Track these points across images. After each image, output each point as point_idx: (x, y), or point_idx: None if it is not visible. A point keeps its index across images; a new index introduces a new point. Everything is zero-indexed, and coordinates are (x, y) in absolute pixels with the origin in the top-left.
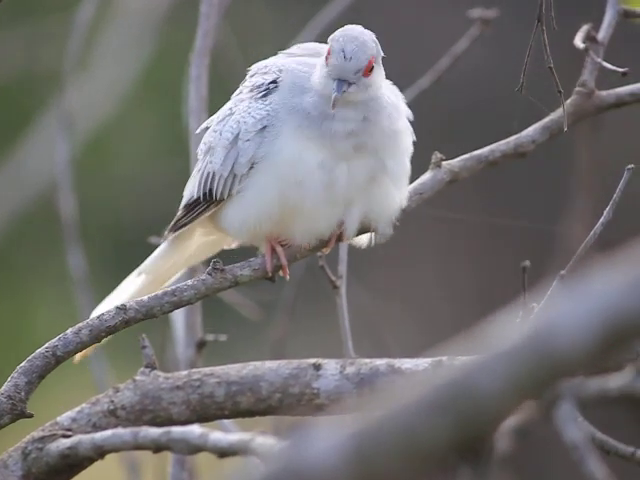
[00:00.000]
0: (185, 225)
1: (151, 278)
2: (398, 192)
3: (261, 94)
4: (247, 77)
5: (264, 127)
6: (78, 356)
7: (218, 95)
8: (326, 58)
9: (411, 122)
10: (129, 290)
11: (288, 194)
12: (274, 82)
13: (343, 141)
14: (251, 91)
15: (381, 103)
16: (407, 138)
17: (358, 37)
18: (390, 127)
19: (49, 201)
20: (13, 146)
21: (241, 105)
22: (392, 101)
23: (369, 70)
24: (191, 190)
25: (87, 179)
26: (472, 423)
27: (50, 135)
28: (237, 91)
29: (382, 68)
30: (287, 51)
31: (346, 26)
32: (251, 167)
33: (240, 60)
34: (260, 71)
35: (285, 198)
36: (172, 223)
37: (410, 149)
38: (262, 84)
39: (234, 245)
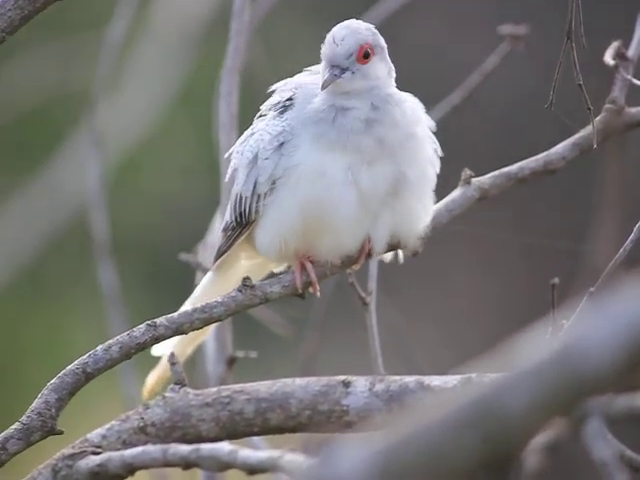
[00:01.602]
0: (226, 251)
1: None
2: (422, 206)
3: (278, 111)
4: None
5: (281, 144)
6: (146, 392)
7: (250, 112)
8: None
9: (440, 138)
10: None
11: (310, 210)
12: (290, 99)
13: (362, 134)
14: (270, 109)
15: (391, 96)
16: (427, 146)
17: (350, 25)
18: (404, 122)
19: (82, 219)
20: (46, 165)
21: (261, 124)
22: (408, 102)
23: (363, 56)
24: (226, 216)
25: (119, 196)
26: (500, 440)
27: (82, 154)
28: (258, 113)
29: (388, 62)
30: (311, 68)
31: (345, 21)
32: (273, 185)
33: (272, 76)
34: (279, 89)
35: (307, 214)
36: (215, 252)
37: (433, 158)
38: (279, 102)
39: (281, 267)
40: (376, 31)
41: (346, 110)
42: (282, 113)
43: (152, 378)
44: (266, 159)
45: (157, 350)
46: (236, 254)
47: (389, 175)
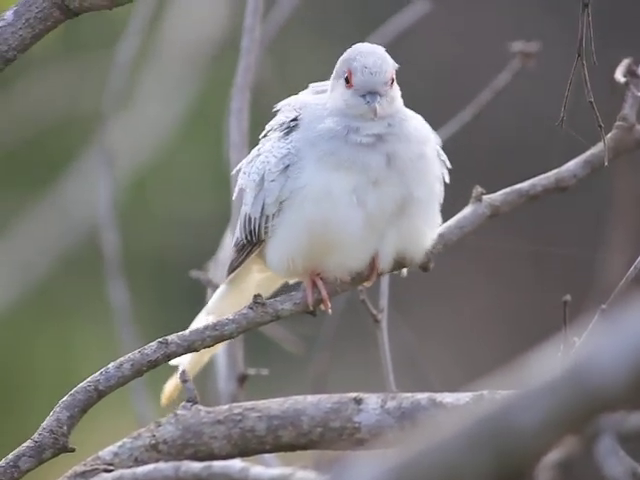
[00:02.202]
0: (238, 267)
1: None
2: (427, 222)
3: (283, 132)
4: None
5: (287, 166)
6: (164, 399)
7: (260, 129)
8: (347, 80)
9: (451, 155)
10: None
11: (315, 230)
12: (295, 119)
13: (372, 152)
14: (275, 130)
15: (405, 114)
16: (436, 165)
17: (375, 51)
18: (416, 138)
19: (93, 237)
20: (57, 183)
21: (267, 145)
22: (416, 119)
23: (392, 82)
24: (237, 232)
25: (130, 215)
26: (512, 457)
27: (93, 172)
28: (264, 132)
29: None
30: (317, 84)
31: (355, 46)
32: (280, 206)
33: (282, 94)
34: (284, 109)
35: (313, 234)
36: (227, 267)
37: (440, 177)
38: (284, 122)
39: (293, 280)
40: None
41: (359, 129)
42: (287, 134)
43: (170, 386)
44: (272, 181)
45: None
46: (248, 267)
47: (396, 196)
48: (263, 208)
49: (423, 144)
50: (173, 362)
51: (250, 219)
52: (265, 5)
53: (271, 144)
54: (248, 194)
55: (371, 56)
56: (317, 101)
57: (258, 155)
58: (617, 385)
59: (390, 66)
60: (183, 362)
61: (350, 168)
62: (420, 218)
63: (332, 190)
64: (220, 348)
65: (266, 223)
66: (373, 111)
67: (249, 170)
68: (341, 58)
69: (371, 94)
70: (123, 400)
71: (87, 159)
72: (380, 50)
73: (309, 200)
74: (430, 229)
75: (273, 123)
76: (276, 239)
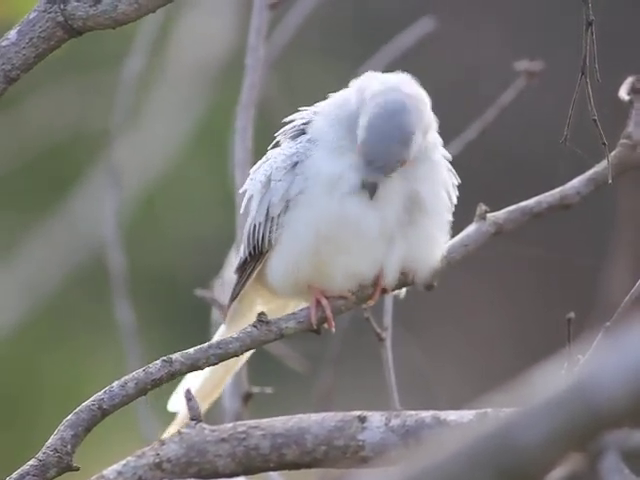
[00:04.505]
0: (239, 292)
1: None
2: (435, 235)
3: (292, 135)
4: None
5: (295, 163)
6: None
7: (265, 147)
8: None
9: (456, 173)
10: (202, 374)
11: (325, 227)
12: (306, 123)
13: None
14: (284, 135)
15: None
16: (443, 170)
17: (393, 131)
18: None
19: (99, 255)
20: (64, 202)
21: (275, 151)
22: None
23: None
24: (240, 254)
25: (136, 233)
26: (516, 475)
27: (100, 191)
28: (273, 142)
29: (429, 124)
30: (323, 103)
31: (387, 101)
32: (286, 205)
33: (287, 112)
34: (295, 118)
35: (322, 232)
36: (229, 296)
37: (448, 183)
38: (294, 126)
39: (298, 309)
40: (425, 101)
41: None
42: (296, 137)
43: (172, 430)
44: (279, 181)
45: (173, 406)
46: (251, 300)
47: (402, 190)
48: (269, 209)
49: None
50: (172, 408)
51: (255, 227)
52: (270, 23)
53: (279, 149)
54: (254, 199)
55: (385, 140)
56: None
57: (266, 160)
58: (621, 402)
59: (400, 158)
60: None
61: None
62: (428, 226)
63: (344, 171)
64: (230, 376)
65: (270, 229)
66: (371, 196)
67: (254, 176)
68: (363, 86)
69: (378, 168)
70: (127, 418)
71: (94, 177)
72: (400, 131)
73: (320, 188)
74: (438, 242)
75: (282, 131)
76: (281, 246)
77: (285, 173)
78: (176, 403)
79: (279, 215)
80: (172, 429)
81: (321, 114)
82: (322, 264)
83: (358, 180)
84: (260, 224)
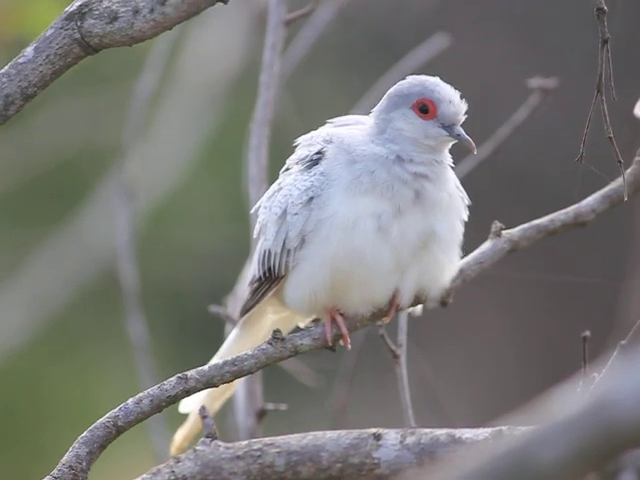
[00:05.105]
0: (253, 307)
1: None
2: (448, 259)
3: (305, 165)
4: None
5: (311, 198)
6: (174, 449)
7: (279, 164)
8: (422, 110)
9: (471, 191)
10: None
11: (342, 262)
12: (319, 153)
13: (405, 185)
14: (297, 164)
15: (446, 156)
16: (459, 202)
17: (446, 84)
18: (444, 180)
19: (111, 270)
20: (76, 216)
21: (288, 179)
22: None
23: None
24: (253, 270)
25: (149, 247)
26: None
27: (112, 205)
28: (285, 166)
29: None
30: (333, 120)
31: (417, 78)
32: (303, 240)
33: (301, 129)
34: (305, 143)
35: (338, 268)
36: (241, 307)
37: (462, 213)
38: (307, 156)
39: (307, 321)
40: None
41: (413, 159)
42: (310, 168)
43: (180, 435)
44: (296, 214)
45: (185, 407)
46: (262, 309)
47: (419, 228)
48: (285, 242)
49: (450, 185)
50: (183, 409)
51: (270, 254)
52: (284, 41)
53: (293, 177)
54: (269, 228)
55: (449, 89)
56: (350, 132)
57: (279, 189)
58: (637, 422)
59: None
60: (193, 409)
61: (381, 194)
62: (441, 255)
63: (360, 217)
64: (233, 390)
65: (287, 257)
66: (472, 146)
67: (270, 204)
68: (402, 89)
69: (455, 126)
70: (142, 435)
71: (106, 191)
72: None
73: (336, 229)
74: (450, 266)
75: (294, 157)
76: (298, 274)
77: (301, 207)
78: (187, 405)
79: (295, 249)
80: (181, 433)
81: (334, 144)
82: (339, 294)
83: (374, 221)
84: (276, 253)
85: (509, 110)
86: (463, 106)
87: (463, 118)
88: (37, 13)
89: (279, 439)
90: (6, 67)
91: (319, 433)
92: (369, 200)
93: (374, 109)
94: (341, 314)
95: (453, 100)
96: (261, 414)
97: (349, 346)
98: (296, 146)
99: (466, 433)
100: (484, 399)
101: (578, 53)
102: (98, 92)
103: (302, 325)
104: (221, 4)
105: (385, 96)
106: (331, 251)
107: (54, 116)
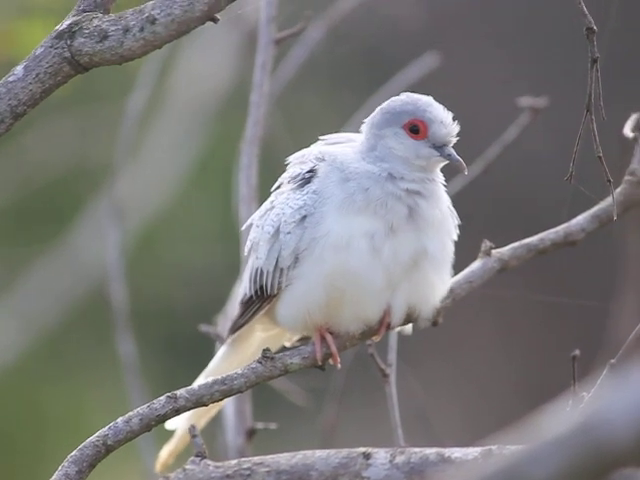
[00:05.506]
0: (243, 325)
1: None
2: (439, 278)
3: (298, 184)
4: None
5: (304, 217)
6: (159, 466)
7: (269, 183)
8: (413, 130)
9: (459, 209)
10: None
11: (335, 282)
12: (311, 171)
13: (398, 202)
14: (289, 182)
15: (438, 175)
16: (450, 221)
17: (438, 105)
18: (437, 199)
19: (101, 288)
20: (66, 235)
21: (280, 197)
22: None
23: None
24: (244, 288)
25: (139, 266)
26: None
27: (102, 224)
28: (276, 184)
29: None
30: (325, 137)
31: (409, 96)
32: (296, 258)
33: (291, 148)
34: (297, 161)
35: (332, 286)
36: (230, 325)
37: (452, 232)
38: (299, 174)
39: (295, 339)
40: None
41: (404, 177)
42: (302, 186)
43: (166, 451)
44: (289, 233)
45: (171, 424)
46: (251, 327)
47: (411, 247)
48: (278, 260)
49: (442, 203)
50: (169, 426)
51: (262, 272)
52: (274, 59)
53: (286, 196)
54: (261, 247)
55: (441, 109)
56: (342, 150)
57: (272, 207)
58: (626, 441)
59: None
60: (179, 425)
61: (374, 212)
62: (432, 273)
63: (353, 236)
64: (228, 402)
65: (280, 277)
66: (462, 166)
67: (262, 223)
68: (394, 106)
69: (446, 146)
70: (131, 454)
71: (96, 210)
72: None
73: (330, 248)
74: (441, 286)
75: (286, 175)
76: (292, 292)
77: (294, 226)
78: (173, 421)
79: (289, 267)
80: (167, 449)
81: (327, 162)
82: (331, 312)
83: (367, 240)
84: (269, 272)
85: (499, 129)
86: (455, 127)
87: (455, 139)
88: (29, 34)
89: (268, 458)
90: None
91: (308, 452)
92: (363, 218)
93: (366, 120)
94: (331, 332)
95: (444, 121)
96: (251, 433)
97: (339, 365)
98: (287, 164)
99: (456, 452)
100: (474, 418)
101: (568, 72)
102: (89, 111)
103: (288, 344)
104: (211, 23)
105: (378, 109)
106: (325, 270)
107: (45, 135)
